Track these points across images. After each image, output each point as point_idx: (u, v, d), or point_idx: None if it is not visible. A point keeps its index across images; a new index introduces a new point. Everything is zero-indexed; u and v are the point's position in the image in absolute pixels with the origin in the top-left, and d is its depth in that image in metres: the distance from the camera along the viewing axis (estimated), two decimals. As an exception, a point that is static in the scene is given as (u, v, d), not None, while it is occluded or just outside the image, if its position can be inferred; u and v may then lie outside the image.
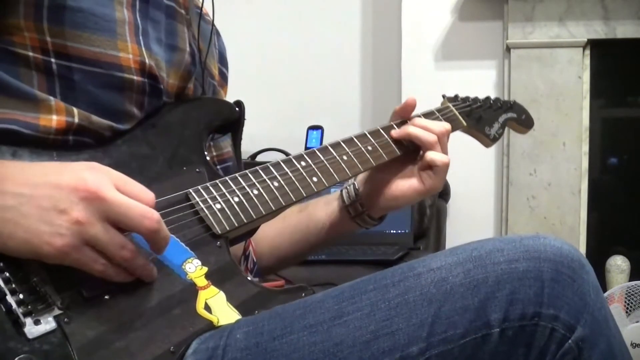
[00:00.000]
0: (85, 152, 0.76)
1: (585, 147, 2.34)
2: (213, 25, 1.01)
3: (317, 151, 0.92)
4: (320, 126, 2.48)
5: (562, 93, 2.30)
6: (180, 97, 0.91)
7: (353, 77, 2.73)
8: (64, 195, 0.64)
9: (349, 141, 0.96)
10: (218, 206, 0.80)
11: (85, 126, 0.77)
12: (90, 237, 0.64)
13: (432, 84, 2.25)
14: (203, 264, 0.76)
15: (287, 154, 2.05)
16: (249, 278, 0.81)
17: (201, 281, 0.75)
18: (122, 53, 0.79)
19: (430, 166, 0.98)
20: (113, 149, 0.79)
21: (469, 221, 2.43)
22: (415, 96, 1.05)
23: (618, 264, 2.24)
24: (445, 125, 1.00)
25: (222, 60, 1.06)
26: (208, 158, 0.93)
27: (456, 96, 1.13)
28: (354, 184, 1.03)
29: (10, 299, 0.63)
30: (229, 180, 0.82)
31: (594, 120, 2.35)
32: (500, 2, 2.35)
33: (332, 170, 0.91)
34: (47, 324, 0.64)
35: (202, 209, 0.79)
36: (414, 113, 1.03)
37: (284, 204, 0.85)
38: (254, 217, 0.82)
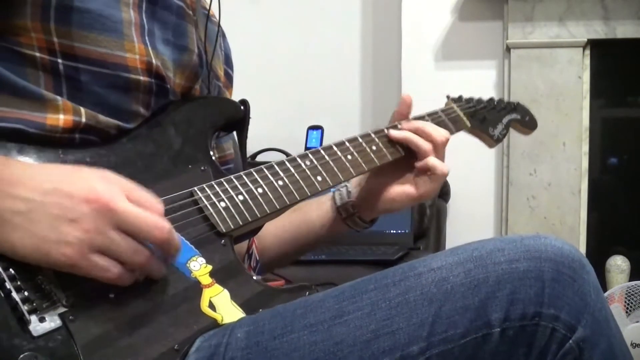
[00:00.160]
0: (91, 150, 0.77)
1: (585, 147, 2.34)
2: (219, 26, 1.01)
3: (321, 150, 0.92)
4: (320, 126, 2.48)
5: (562, 93, 2.30)
6: (187, 97, 0.91)
7: (353, 77, 2.73)
8: (75, 205, 0.64)
9: (353, 140, 0.96)
10: (223, 204, 0.80)
11: (92, 125, 0.77)
12: (99, 245, 0.65)
13: (432, 84, 2.25)
14: (207, 262, 0.76)
15: (287, 154, 2.05)
16: (253, 276, 0.81)
17: (205, 279, 0.75)
18: (129, 54, 0.79)
19: (426, 172, 0.97)
20: (118, 147, 0.79)
21: (469, 221, 2.43)
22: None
23: (618, 264, 2.24)
24: (444, 134, 0.99)
25: (228, 62, 1.06)
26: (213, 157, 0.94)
27: (460, 97, 1.13)
28: (346, 185, 1.04)
29: (15, 296, 0.63)
30: (233, 179, 0.82)
31: (594, 120, 2.35)
32: (500, 2, 2.35)
33: (336, 170, 0.92)
34: (52, 321, 0.64)
35: (206, 207, 0.79)
36: (419, 113, 1.03)
37: (288, 202, 0.85)
38: (259, 215, 0.82)
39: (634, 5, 2.23)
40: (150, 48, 0.82)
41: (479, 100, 1.15)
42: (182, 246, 0.75)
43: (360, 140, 0.97)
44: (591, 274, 0.71)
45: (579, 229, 2.33)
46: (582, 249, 2.33)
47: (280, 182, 0.85)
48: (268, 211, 0.83)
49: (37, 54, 0.75)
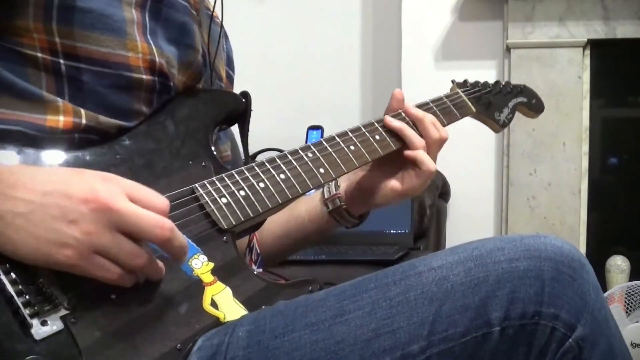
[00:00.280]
0: (90, 149, 0.77)
1: (585, 147, 2.34)
2: (222, 27, 1.01)
3: (324, 141, 0.91)
4: (320, 126, 2.48)
5: (562, 93, 2.30)
6: (187, 92, 0.90)
7: (353, 77, 2.73)
8: (74, 206, 0.64)
9: (356, 130, 0.95)
10: (224, 200, 0.79)
11: (92, 126, 0.77)
12: (99, 246, 0.65)
13: (432, 84, 2.24)
14: (209, 260, 0.76)
15: (287, 153, 2.05)
16: (255, 271, 0.81)
17: (207, 277, 0.75)
18: (131, 53, 0.79)
19: (413, 166, 0.95)
20: (118, 145, 0.79)
21: (469, 221, 2.43)
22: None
23: (618, 264, 2.24)
24: (442, 135, 0.97)
25: (230, 63, 1.06)
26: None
27: (465, 81, 1.12)
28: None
29: (17, 300, 0.63)
30: (235, 174, 0.82)
31: (594, 120, 2.35)
32: (500, 2, 2.35)
33: (339, 161, 0.90)
34: (54, 324, 0.64)
35: (207, 203, 0.79)
36: (424, 100, 1.02)
37: (290, 196, 0.84)
38: (261, 210, 0.81)
39: (634, 5, 2.24)
40: (154, 46, 0.82)
41: (485, 84, 1.13)
42: None
43: (363, 129, 0.95)
44: (591, 274, 0.71)
45: (579, 229, 2.33)
46: (582, 249, 2.33)
47: (282, 176, 0.85)
48: (270, 206, 0.82)
49: (39, 55, 0.75)
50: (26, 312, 0.63)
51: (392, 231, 2.09)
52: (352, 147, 0.92)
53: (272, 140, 2.48)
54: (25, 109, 0.74)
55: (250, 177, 0.82)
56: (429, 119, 0.98)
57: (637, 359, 1.82)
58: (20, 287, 0.64)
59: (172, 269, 0.73)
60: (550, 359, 0.67)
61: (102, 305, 0.67)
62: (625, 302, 1.95)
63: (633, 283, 1.98)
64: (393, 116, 0.98)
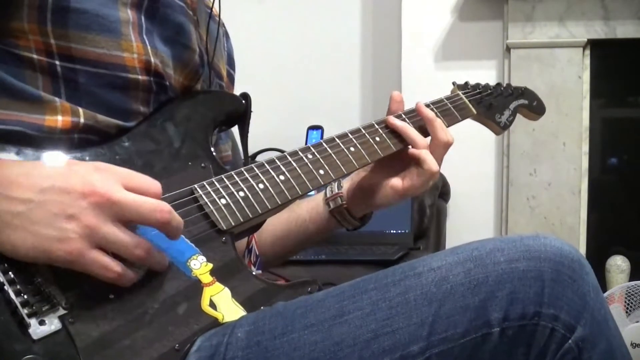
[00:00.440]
0: (90, 150, 0.77)
1: (585, 147, 2.34)
2: (223, 26, 1.01)
3: (324, 143, 0.91)
4: (320, 126, 2.48)
5: (562, 93, 2.30)
6: (187, 93, 0.90)
7: (353, 77, 2.73)
8: (73, 201, 0.64)
9: (356, 132, 0.94)
10: (223, 201, 0.79)
11: (91, 125, 0.77)
12: (100, 239, 0.65)
13: (432, 84, 2.24)
14: (208, 261, 0.76)
15: (287, 153, 2.05)
16: (253, 273, 0.81)
17: (206, 278, 0.75)
18: (127, 53, 0.79)
19: (415, 166, 0.95)
20: (117, 147, 0.79)
21: (469, 221, 2.43)
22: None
23: (618, 264, 2.24)
24: (449, 139, 0.97)
25: (230, 62, 1.06)
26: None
27: (466, 83, 1.11)
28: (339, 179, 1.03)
29: (15, 300, 0.63)
30: (234, 175, 0.82)
31: (594, 120, 2.35)
32: (500, 2, 2.35)
33: (339, 163, 0.90)
34: (52, 324, 0.64)
35: (207, 204, 0.79)
36: (424, 101, 1.01)
37: (290, 197, 0.84)
38: (260, 211, 0.81)
39: (634, 5, 2.23)
40: (149, 46, 0.81)
41: (486, 86, 1.13)
42: (183, 245, 0.75)
43: (363, 131, 0.95)
44: (590, 274, 0.71)
45: (579, 229, 2.33)
46: (582, 249, 2.33)
47: (282, 177, 0.85)
48: (269, 207, 0.82)
49: (35, 56, 0.75)
50: (24, 311, 0.63)
51: (392, 231, 2.09)
52: (352, 149, 0.92)
53: (272, 140, 2.48)
54: (24, 110, 0.74)
55: (249, 178, 0.82)
56: (439, 121, 0.98)
57: (638, 359, 1.82)
58: (18, 286, 0.64)
59: (171, 269, 0.73)
60: (550, 360, 0.67)
61: (100, 305, 0.67)
62: (625, 302, 1.95)
63: (633, 283, 1.98)
64: (397, 117, 0.98)
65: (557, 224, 2.32)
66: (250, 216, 0.80)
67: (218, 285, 0.75)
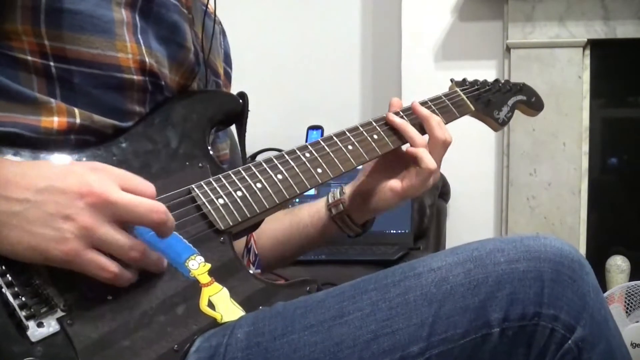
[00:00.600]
0: (87, 151, 0.77)
1: (585, 147, 2.34)
2: (219, 24, 1.01)
3: (321, 141, 0.91)
4: (320, 126, 2.48)
5: (562, 93, 2.30)
6: (183, 93, 0.90)
7: (353, 77, 2.73)
8: (69, 201, 0.64)
9: (354, 130, 0.94)
10: (221, 201, 0.79)
11: (87, 125, 0.77)
12: (96, 240, 0.65)
13: (432, 84, 2.24)
14: (206, 261, 0.76)
15: (287, 154, 2.05)
16: (252, 272, 0.81)
17: (204, 278, 0.75)
18: (121, 53, 0.79)
19: (414, 165, 0.95)
20: (115, 147, 0.78)
21: (469, 221, 2.43)
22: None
23: (618, 264, 2.24)
24: (447, 137, 0.97)
25: (227, 60, 1.05)
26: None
27: (464, 80, 1.11)
28: (342, 185, 1.02)
29: (13, 302, 0.63)
30: (232, 175, 0.82)
31: (594, 120, 2.35)
32: (500, 2, 2.35)
33: (337, 161, 0.90)
34: (50, 326, 0.64)
35: (204, 204, 0.78)
36: (421, 98, 1.01)
37: (288, 196, 0.84)
38: (258, 211, 0.81)
39: (634, 5, 2.23)
40: (143, 46, 0.81)
41: (484, 83, 1.13)
42: (181, 245, 0.75)
43: (361, 129, 0.95)
44: (590, 275, 0.71)
45: (579, 229, 2.33)
46: (582, 249, 2.32)
47: (280, 176, 0.85)
48: (267, 206, 0.82)
49: (29, 58, 0.75)
50: (22, 314, 0.63)
51: (392, 231, 2.09)
52: (350, 147, 0.92)
53: (272, 140, 2.48)
54: (20, 111, 0.74)
55: (247, 178, 0.82)
56: (435, 119, 0.98)
57: (638, 359, 1.82)
58: (16, 289, 0.64)
59: (169, 270, 0.73)
60: (550, 360, 0.67)
61: (98, 307, 0.67)
62: (625, 302, 1.95)
63: (633, 283, 1.98)
64: (395, 114, 0.98)
65: (557, 224, 2.32)
66: (248, 216, 0.80)
67: (216, 286, 0.75)
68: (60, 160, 0.71)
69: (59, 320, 0.65)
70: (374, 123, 0.96)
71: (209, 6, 0.96)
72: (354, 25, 2.71)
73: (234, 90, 1.03)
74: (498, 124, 1.13)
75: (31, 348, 0.62)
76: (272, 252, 1.05)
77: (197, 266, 0.75)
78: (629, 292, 1.96)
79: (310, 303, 0.72)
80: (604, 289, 2.07)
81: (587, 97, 2.33)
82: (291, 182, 0.85)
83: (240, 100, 0.91)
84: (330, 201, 1.01)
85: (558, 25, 2.29)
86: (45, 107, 0.75)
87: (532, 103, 1.19)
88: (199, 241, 0.76)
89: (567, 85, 2.31)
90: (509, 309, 0.67)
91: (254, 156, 2.54)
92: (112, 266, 0.66)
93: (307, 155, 0.88)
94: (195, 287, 0.74)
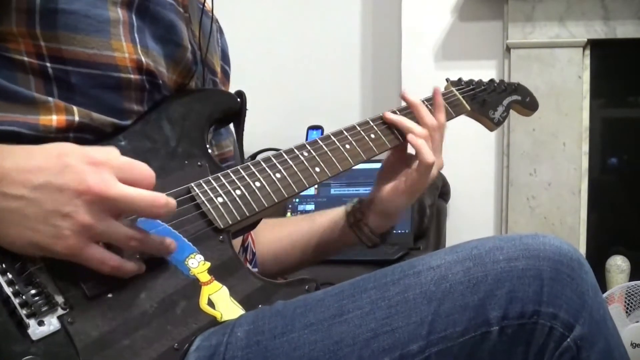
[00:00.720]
0: None
1: (585, 147, 2.34)
2: (217, 22, 1.01)
3: (319, 140, 0.91)
4: (320, 126, 2.48)
5: (562, 93, 2.30)
6: (181, 91, 0.90)
7: (353, 77, 2.73)
8: (67, 200, 0.64)
9: (351, 129, 0.95)
10: (220, 200, 0.80)
11: (86, 123, 0.77)
12: (95, 235, 0.65)
13: (432, 84, 2.23)
14: (206, 259, 0.76)
15: (287, 153, 2.05)
16: (252, 272, 0.81)
17: (204, 277, 0.75)
18: (117, 53, 0.79)
19: (414, 160, 0.95)
20: (113, 145, 0.78)
21: (469, 221, 2.42)
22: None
23: (618, 264, 2.23)
24: (441, 121, 0.98)
25: (225, 58, 1.06)
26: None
27: (460, 80, 1.12)
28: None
29: (13, 300, 0.63)
30: (230, 173, 0.82)
31: (594, 120, 2.35)
32: (500, 2, 2.35)
33: (334, 160, 0.91)
34: (51, 324, 0.64)
35: (204, 203, 0.79)
36: (418, 98, 1.02)
37: (286, 195, 0.85)
38: (257, 210, 0.82)
39: (634, 5, 2.23)
40: (139, 46, 0.81)
41: (479, 83, 1.14)
42: (180, 243, 0.75)
43: (359, 128, 0.96)
44: (589, 273, 0.71)
45: (579, 229, 2.33)
46: (582, 249, 2.32)
47: (278, 175, 0.85)
48: (266, 205, 0.82)
49: (26, 59, 0.75)
50: (23, 312, 0.63)
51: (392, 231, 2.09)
52: (347, 146, 0.93)
53: (272, 140, 2.48)
54: (18, 111, 0.74)
55: (246, 176, 0.82)
56: (423, 107, 0.99)
57: (637, 359, 1.82)
58: (16, 287, 0.64)
59: (168, 268, 0.73)
60: (549, 359, 0.67)
61: (99, 305, 0.67)
62: (625, 302, 1.95)
63: (633, 283, 1.98)
64: (390, 112, 0.99)
65: (557, 224, 2.32)
66: (247, 214, 0.81)
67: (216, 284, 0.75)
68: (54, 149, 0.68)
69: (60, 318, 0.65)
70: (371, 122, 0.97)
71: (205, 4, 0.96)
72: (354, 25, 2.71)
73: (233, 89, 1.03)
74: (493, 124, 1.13)
75: (32, 346, 0.62)
76: (289, 257, 1.05)
77: (197, 265, 0.75)
78: (629, 292, 1.96)
79: (310, 302, 0.72)
80: (604, 289, 2.07)
81: (587, 97, 2.33)
82: (289, 181, 0.85)
83: (238, 99, 0.91)
84: (348, 209, 1.02)
85: (558, 25, 2.30)
86: (43, 106, 0.75)
87: (527, 103, 1.20)
88: (198, 240, 0.77)
89: (567, 85, 2.31)
90: (508, 307, 0.67)
91: (253, 156, 2.54)
92: (112, 260, 0.67)
93: (305, 154, 0.89)
94: (195, 286, 0.74)
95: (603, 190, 2.40)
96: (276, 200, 0.83)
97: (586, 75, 2.32)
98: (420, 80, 2.40)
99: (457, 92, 1.08)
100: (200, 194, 0.79)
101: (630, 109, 2.46)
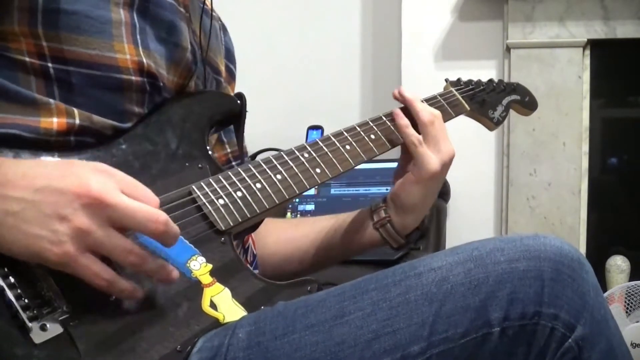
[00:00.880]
0: (87, 152, 0.77)
1: (585, 147, 2.34)
2: (218, 20, 1.01)
3: (319, 142, 0.91)
4: (320, 126, 2.48)
5: (562, 93, 2.30)
6: (182, 93, 0.90)
7: (353, 77, 2.72)
8: (66, 202, 0.63)
9: (351, 130, 0.95)
10: (221, 202, 0.80)
11: (86, 126, 0.77)
12: (92, 242, 0.64)
13: (432, 84, 2.23)
14: (208, 261, 0.76)
15: (287, 154, 2.05)
16: (254, 273, 0.81)
17: (206, 279, 0.75)
18: (119, 54, 0.79)
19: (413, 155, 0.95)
20: (115, 149, 0.79)
21: (469, 221, 2.42)
22: (409, 93, 1.04)
23: (618, 264, 2.23)
24: (434, 112, 0.97)
25: (229, 57, 1.05)
26: (222, 153, 0.93)
27: (459, 80, 1.12)
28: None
29: (15, 304, 0.63)
30: (231, 175, 0.82)
31: (594, 120, 2.35)
32: (500, 2, 2.35)
33: (335, 161, 0.91)
34: (54, 328, 0.64)
35: (205, 205, 0.79)
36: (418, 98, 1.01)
37: (287, 196, 0.85)
38: (258, 211, 0.82)
39: (634, 5, 2.23)
40: (140, 48, 0.81)
41: (478, 83, 1.14)
42: (182, 246, 0.75)
43: (359, 129, 0.96)
44: (590, 274, 0.71)
45: (579, 229, 2.33)
46: (582, 249, 2.32)
47: (279, 176, 0.85)
48: (267, 206, 0.83)
49: (27, 59, 0.75)
50: (25, 315, 0.63)
51: (392, 231, 2.09)
52: (347, 147, 0.93)
53: (272, 140, 2.49)
54: (19, 112, 0.73)
55: (246, 178, 0.83)
56: (417, 102, 0.98)
57: (638, 359, 1.82)
58: (19, 291, 0.64)
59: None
60: (550, 359, 0.67)
61: (101, 308, 0.67)
62: (625, 302, 1.95)
63: (633, 283, 1.98)
64: (390, 114, 0.99)
65: (557, 224, 2.32)
66: (249, 216, 0.81)
67: (218, 286, 0.75)
68: (63, 160, 0.71)
69: (62, 321, 0.65)
70: (370, 123, 0.97)
71: (206, 3, 0.96)
72: (354, 25, 2.70)
73: (237, 88, 1.03)
74: (493, 124, 1.13)
75: (34, 350, 0.62)
76: (315, 256, 1.04)
77: (199, 267, 0.75)
78: (629, 292, 1.96)
79: (311, 303, 0.72)
80: (604, 289, 2.07)
81: (587, 97, 2.33)
82: (290, 182, 0.86)
83: (239, 101, 0.92)
84: (372, 208, 1.00)
85: (558, 25, 2.29)
86: (44, 108, 0.75)
87: (526, 102, 1.19)
88: (200, 242, 0.77)
89: (567, 85, 2.31)
90: (509, 308, 0.67)
91: (254, 156, 2.54)
92: (106, 273, 0.65)
93: (306, 155, 0.89)
94: (197, 288, 0.74)
95: (603, 190, 2.40)
96: (277, 202, 0.83)
97: (586, 75, 2.32)
98: (420, 80, 2.41)
99: (456, 92, 1.08)
100: (201, 196, 0.79)
101: (630, 109, 2.46)
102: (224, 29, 1.06)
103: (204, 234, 0.78)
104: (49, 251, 0.63)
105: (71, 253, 0.63)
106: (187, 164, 0.82)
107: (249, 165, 0.84)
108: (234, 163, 1.01)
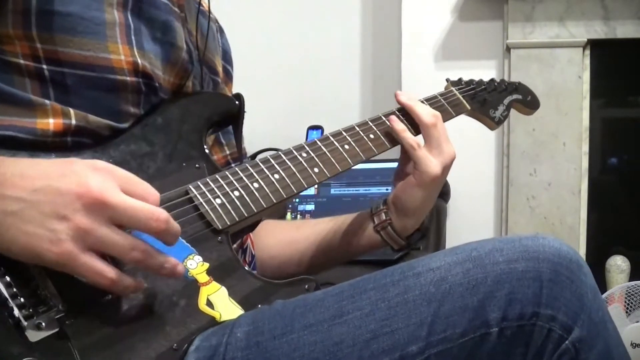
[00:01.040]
0: (84, 153, 0.77)
1: (585, 147, 2.34)
2: (215, 22, 1.01)
3: (318, 141, 0.91)
4: (320, 126, 2.48)
5: (562, 93, 2.30)
6: (179, 94, 0.90)
7: (353, 77, 2.72)
8: (66, 202, 0.63)
9: (350, 129, 0.95)
10: (218, 201, 0.80)
11: (83, 127, 0.77)
12: (93, 241, 0.63)
13: (432, 84, 2.23)
14: (204, 260, 0.76)
15: (287, 153, 2.05)
16: (251, 272, 0.81)
17: (203, 277, 0.75)
18: (114, 55, 0.79)
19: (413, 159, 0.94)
20: (112, 149, 0.79)
21: (469, 221, 2.42)
22: (408, 95, 1.04)
23: (618, 264, 2.23)
24: (434, 112, 0.97)
25: (226, 58, 1.05)
26: (221, 156, 0.93)
27: (460, 79, 1.12)
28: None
29: (11, 303, 0.63)
30: (228, 174, 0.82)
31: (594, 120, 2.35)
32: (500, 2, 2.35)
33: (333, 160, 0.91)
34: (49, 326, 0.64)
35: (202, 204, 0.79)
36: (417, 98, 1.01)
37: (285, 196, 0.85)
38: (255, 211, 0.82)
39: (634, 5, 2.23)
40: (135, 48, 0.81)
41: (480, 82, 1.13)
42: (179, 245, 0.74)
43: (358, 129, 0.95)
44: (588, 275, 0.71)
45: (579, 229, 2.33)
46: (582, 249, 2.32)
47: (277, 176, 0.85)
48: (264, 205, 0.83)
49: (22, 61, 0.75)
50: (21, 314, 0.63)
51: (392, 231, 2.08)
52: (346, 147, 0.93)
53: (272, 140, 2.48)
54: (15, 114, 0.73)
55: (244, 178, 0.83)
56: (418, 105, 0.98)
57: (638, 359, 1.82)
58: (14, 289, 0.64)
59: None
60: (547, 361, 0.67)
61: (97, 306, 0.67)
62: (625, 302, 1.95)
63: (633, 283, 1.97)
64: (389, 114, 0.99)
65: (557, 224, 2.32)
66: (246, 215, 0.81)
67: (215, 285, 0.76)
68: (61, 159, 0.70)
69: (58, 320, 0.65)
70: (370, 123, 0.97)
71: (203, 4, 0.95)
72: (354, 25, 2.70)
73: (236, 89, 1.03)
74: (494, 123, 1.13)
75: (30, 348, 0.62)
76: (313, 258, 1.04)
77: (196, 265, 0.75)
78: (629, 292, 1.95)
79: (309, 302, 0.72)
80: (604, 289, 2.07)
81: (587, 97, 2.33)
82: (288, 181, 0.86)
83: (237, 102, 0.91)
84: (373, 211, 1.00)
85: (558, 25, 2.29)
86: (40, 109, 0.75)
87: (528, 102, 1.19)
88: (197, 241, 0.77)
89: (567, 85, 2.31)
90: (508, 309, 0.67)
91: (253, 156, 2.54)
92: (109, 271, 0.64)
93: (304, 155, 0.89)
94: (193, 287, 0.74)
95: (603, 190, 2.40)
96: (274, 201, 0.83)
97: (586, 75, 2.32)
98: (420, 80, 2.41)
99: (456, 92, 1.08)
100: (198, 195, 0.79)
101: (630, 109, 2.46)
102: (220, 30, 1.06)
103: (200, 233, 0.78)
104: (48, 250, 0.62)
105: (71, 252, 0.63)
106: (184, 164, 0.82)
107: (247, 165, 0.84)
108: (233, 165, 1.01)
